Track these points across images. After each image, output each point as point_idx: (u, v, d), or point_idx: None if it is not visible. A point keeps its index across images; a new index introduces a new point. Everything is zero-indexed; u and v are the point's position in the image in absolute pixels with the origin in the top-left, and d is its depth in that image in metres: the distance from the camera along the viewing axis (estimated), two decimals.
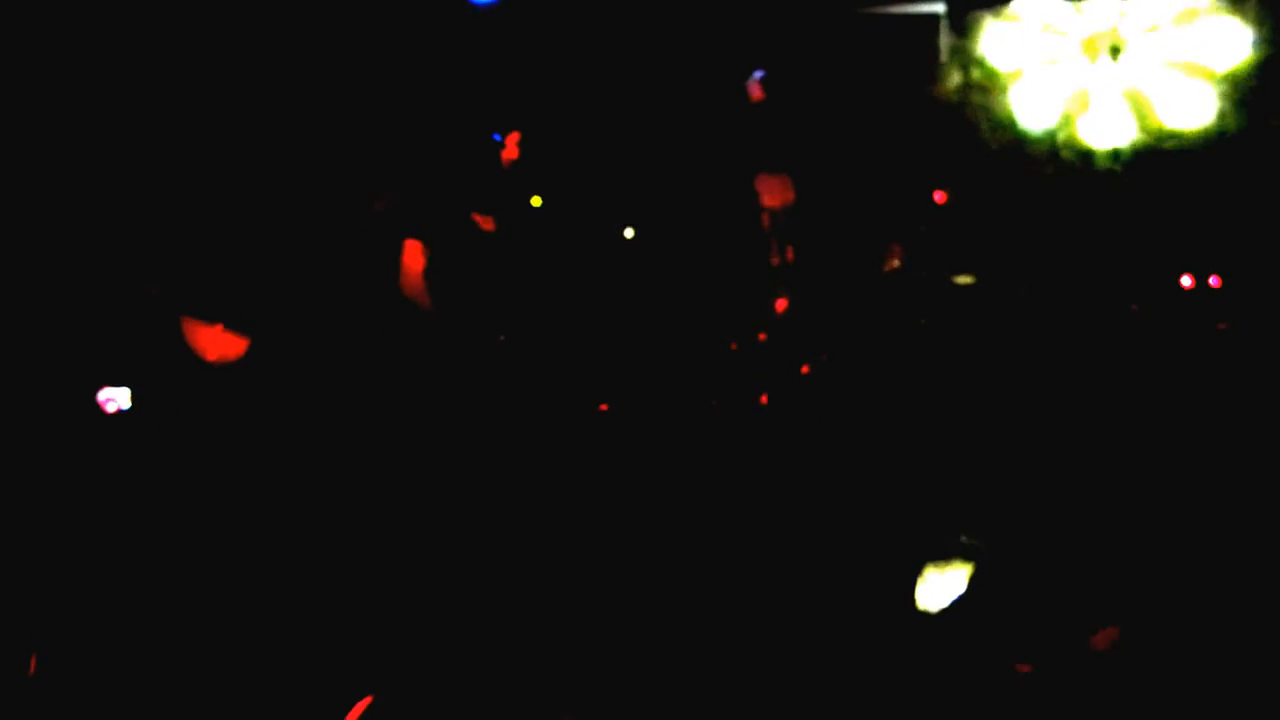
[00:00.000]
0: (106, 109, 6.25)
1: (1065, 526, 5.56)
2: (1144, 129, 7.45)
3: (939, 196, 7.00)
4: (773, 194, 6.97)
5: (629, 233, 6.83)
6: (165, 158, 6.29)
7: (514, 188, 6.55)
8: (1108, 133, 7.48)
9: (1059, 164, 7.49)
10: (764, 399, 6.37)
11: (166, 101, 6.40)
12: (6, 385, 5.06)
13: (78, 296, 5.61)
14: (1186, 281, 6.85)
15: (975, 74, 7.67)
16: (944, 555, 5.67)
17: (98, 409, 4.91)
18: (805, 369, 6.35)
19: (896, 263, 6.89)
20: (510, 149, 6.49)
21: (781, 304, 6.58)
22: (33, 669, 4.02)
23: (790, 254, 6.76)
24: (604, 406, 6.38)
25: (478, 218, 6.19)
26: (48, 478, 4.57)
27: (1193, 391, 6.32)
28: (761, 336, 6.51)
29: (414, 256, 6.04)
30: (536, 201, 6.70)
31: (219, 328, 4.36)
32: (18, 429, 4.71)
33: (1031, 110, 7.58)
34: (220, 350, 4.39)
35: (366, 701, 4.05)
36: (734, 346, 6.48)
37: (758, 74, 7.19)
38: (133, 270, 5.56)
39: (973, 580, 5.35)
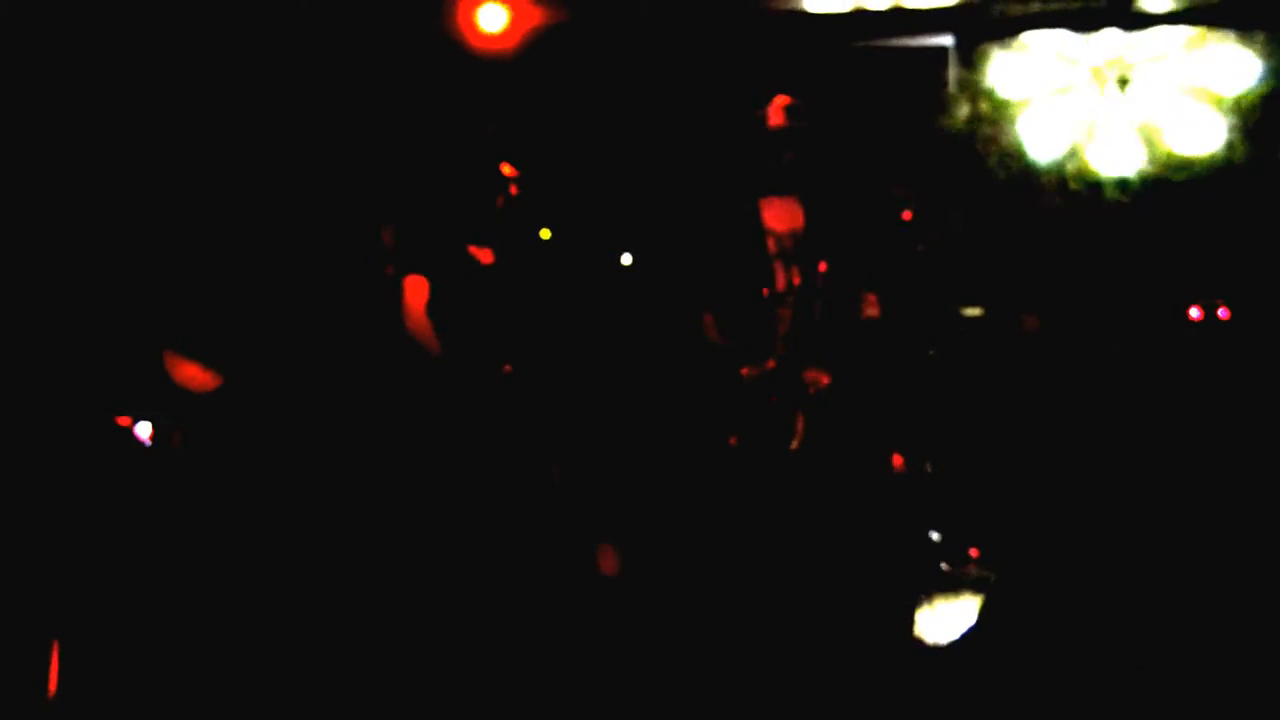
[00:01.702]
0: (97, 136, 6.27)
1: (1076, 556, 5.56)
2: (1152, 159, 7.46)
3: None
4: (781, 219, 6.96)
5: (630, 258, 6.84)
6: (161, 182, 6.30)
7: (514, 218, 6.56)
8: (1116, 163, 7.49)
9: (1068, 194, 7.50)
10: (773, 431, 6.37)
11: (162, 125, 6.42)
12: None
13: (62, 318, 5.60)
14: (1195, 314, 6.85)
15: (984, 105, 7.69)
16: (954, 586, 5.66)
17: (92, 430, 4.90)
18: (812, 390, 6.35)
19: (874, 311, 6.87)
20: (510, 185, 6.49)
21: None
22: (53, 686, 4.03)
23: (797, 279, 6.75)
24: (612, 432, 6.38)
25: (474, 250, 6.20)
26: (46, 494, 4.57)
27: (1201, 420, 6.31)
28: (770, 364, 6.50)
29: (416, 293, 6.03)
30: (546, 234, 6.71)
31: (195, 364, 4.43)
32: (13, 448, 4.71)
33: (1040, 141, 7.60)
34: (195, 383, 4.45)
35: None
36: (744, 373, 6.48)
37: (780, 100, 7.19)
38: (119, 297, 5.56)
39: (983, 611, 5.34)
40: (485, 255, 6.19)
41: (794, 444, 6.29)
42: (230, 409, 4.71)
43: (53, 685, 4.10)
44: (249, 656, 4.43)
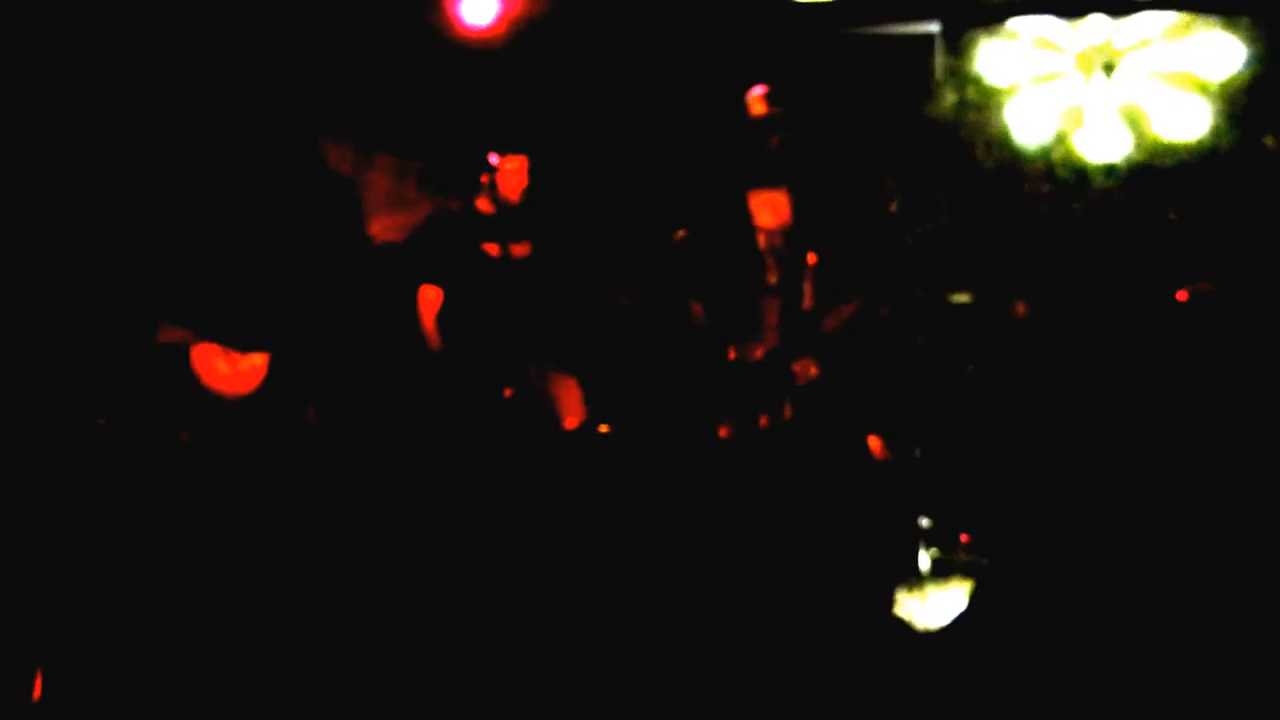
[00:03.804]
0: (107, 132, 6.27)
1: (1068, 541, 5.58)
2: (1138, 144, 7.49)
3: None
4: (769, 213, 6.99)
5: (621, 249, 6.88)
6: (175, 191, 6.31)
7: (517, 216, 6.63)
8: (1102, 148, 7.52)
9: (1055, 180, 7.53)
10: (763, 420, 6.39)
11: (175, 128, 6.43)
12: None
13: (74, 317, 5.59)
14: (1182, 295, 6.89)
15: (970, 92, 7.71)
16: (946, 572, 5.69)
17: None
18: (801, 379, 6.38)
19: (895, 206, 6.90)
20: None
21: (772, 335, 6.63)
22: (37, 692, 4.02)
23: (786, 271, 6.80)
24: (604, 428, 6.40)
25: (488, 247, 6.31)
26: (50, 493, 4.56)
27: (1190, 404, 6.34)
28: (758, 353, 6.54)
29: (430, 300, 6.20)
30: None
31: (237, 358, 4.28)
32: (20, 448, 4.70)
33: (1027, 127, 7.63)
34: (236, 384, 4.32)
35: None
36: (731, 355, 6.51)
37: (759, 89, 7.21)
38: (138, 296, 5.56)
39: (975, 597, 5.37)
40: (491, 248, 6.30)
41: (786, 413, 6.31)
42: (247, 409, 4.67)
43: (38, 690, 4.08)
44: (249, 657, 4.42)
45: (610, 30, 7.45)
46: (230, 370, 4.25)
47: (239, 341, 4.25)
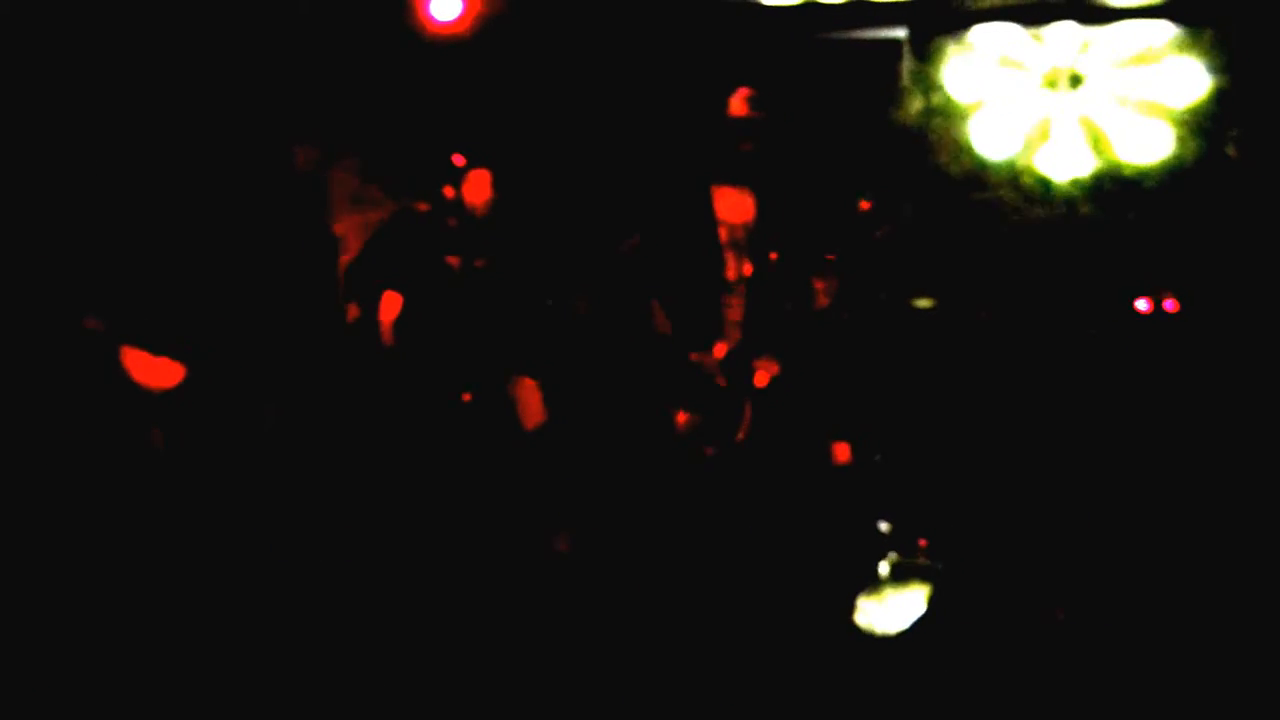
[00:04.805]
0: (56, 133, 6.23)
1: (1025, 547, 5.58)
2: (1102, 158, 7.51)
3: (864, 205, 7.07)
4: (733, 210, 6.99)
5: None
6: (130, 189, 6.26)
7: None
8: (1067, 161, 7.54)
9: (1019, 191, 7.54)
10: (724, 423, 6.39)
11: (126, 126, 6.39)
12: None
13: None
14: (1143, 305, 6.91)
15: (936, 100, 7.72)
16: (903, 577, 5.68)
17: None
18: (762, 381, 6.37)
19: (824, 301, 6.89)
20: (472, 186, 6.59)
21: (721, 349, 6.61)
22: None
23: (748, 269, 6.79)
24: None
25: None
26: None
27: (1149, 414, 6.37)
28: (720, 350, 6.52)
29: (389, 304, 6.23)
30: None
31: (157, 358, 4.32)
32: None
33: (992, 137, 7.64)
34: (157, 379, 4.35)
35: None
36: (693, 357, 6.50)
37: (744, 91, 7.20)
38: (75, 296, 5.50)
39: (931, 601, 5.36)
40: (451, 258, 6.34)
41: (741, 434, 6.30)
42: (198, 406, 4.66)
43: None
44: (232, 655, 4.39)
45: (577, 28, 7.45)
46: (153, 365, 4.28)
47: (161, 341, 4.29)
